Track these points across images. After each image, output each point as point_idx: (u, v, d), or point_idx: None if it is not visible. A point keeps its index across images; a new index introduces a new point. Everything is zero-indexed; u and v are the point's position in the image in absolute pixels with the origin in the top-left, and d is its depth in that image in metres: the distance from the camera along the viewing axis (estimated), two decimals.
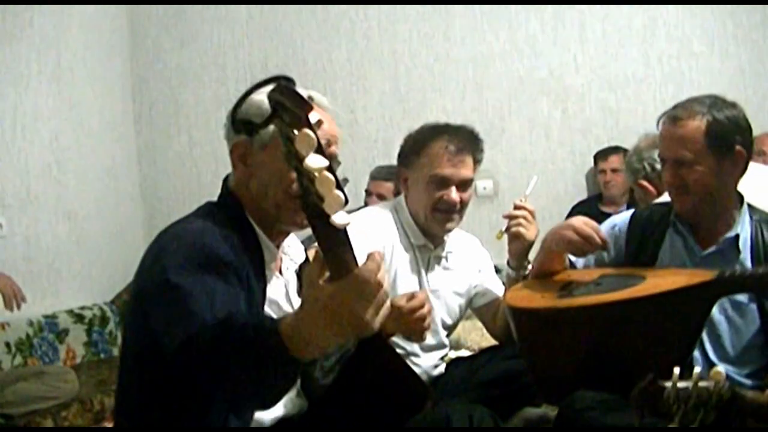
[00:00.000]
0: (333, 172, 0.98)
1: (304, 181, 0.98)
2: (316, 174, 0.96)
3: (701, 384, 1.31)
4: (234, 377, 1.18)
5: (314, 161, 0.96)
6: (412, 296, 1.75)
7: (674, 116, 1.80)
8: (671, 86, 4.21)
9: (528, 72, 4.34)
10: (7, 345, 3.16)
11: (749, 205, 1.86)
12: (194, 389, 1.26)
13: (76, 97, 3.92)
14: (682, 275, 1.72)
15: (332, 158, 1.06)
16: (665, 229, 1.88)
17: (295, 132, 0.97)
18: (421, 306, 1.72)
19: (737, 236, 1.80)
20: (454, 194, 2.12)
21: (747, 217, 1.83)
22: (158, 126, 4.60)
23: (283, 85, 1.00)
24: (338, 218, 0.98)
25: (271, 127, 1.28)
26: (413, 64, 4.41)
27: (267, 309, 1.43)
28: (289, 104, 0.98)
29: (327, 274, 1.09)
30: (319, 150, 0.97)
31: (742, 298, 1.75)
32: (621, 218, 2.00)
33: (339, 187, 0.98)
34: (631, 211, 2.02)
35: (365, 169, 3.88)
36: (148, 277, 1.35)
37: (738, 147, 1.78)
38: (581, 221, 1.87)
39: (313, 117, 1.01)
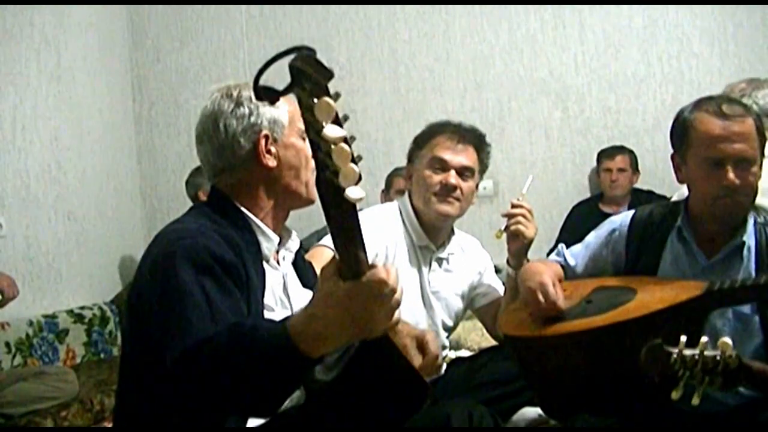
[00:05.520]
0: (349, 145, 0.97)
1: (321, 155, 0.97)
2: (333, 145, 0.95)
3: (707, 353, 1.31)
4: (241, 383, 1.17)
5: (332, 131, 0.95)
6: (423, 344, 1.66)
7: (725, 113, 1.65)
8: (671, 86, 4.21)
9: (528, 72, 4.33)
10: (7, 345, 3.16)
11: (754, 206, 1.75)
12: (195, 394, 1.24)
13: (76, 97, 3.92)
14: (674, 289, 1.65)
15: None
16: (667, 235, 1.77)
17: (315, 100, 0.96)
18: (437, 355, 1.66)
19: (743, 243, 1.69)
20: (452, 178, 2.13)
21: (752, 221, 1.72)
22: (158, 126, 4.60)
23: (306, 54, 0.99)
24: (352, 192, 0.97)
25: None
26: (413, 64, 4.41)
27: (266, 299, 1.42)
28: (312, 72, 0.97)
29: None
30: (337, 121, 0.97)
31: (745, 309, 1.65)
32: (620, 220, 1.89)
33: (354, 161, 0.97)
34: (632, 212, 1.90)
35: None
36: (148, 279, 1.34)
37: None
38: (544, 288, 1.73)
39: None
